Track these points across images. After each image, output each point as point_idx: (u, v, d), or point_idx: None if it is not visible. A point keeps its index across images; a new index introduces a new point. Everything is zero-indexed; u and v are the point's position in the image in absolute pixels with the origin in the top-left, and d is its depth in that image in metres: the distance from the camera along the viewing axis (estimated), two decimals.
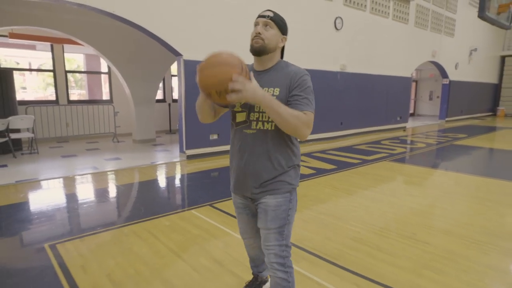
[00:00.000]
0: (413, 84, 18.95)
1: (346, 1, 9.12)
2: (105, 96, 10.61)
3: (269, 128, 1.52)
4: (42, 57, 10.96)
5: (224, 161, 6.23)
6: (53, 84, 8.94)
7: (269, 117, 1.47)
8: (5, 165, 5.86)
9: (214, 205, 3.91)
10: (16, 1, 6.51)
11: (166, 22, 5.87)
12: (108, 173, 5.51)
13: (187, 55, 6.21)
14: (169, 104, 10.88)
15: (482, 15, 10.72)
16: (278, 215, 1.58)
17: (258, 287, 2.08)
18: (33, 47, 10.21)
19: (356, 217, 3.56)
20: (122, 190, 4.68)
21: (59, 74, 8.89)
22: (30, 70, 10.66)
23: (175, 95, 11.34)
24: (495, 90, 19.16)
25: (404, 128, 12.23)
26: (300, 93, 1.48)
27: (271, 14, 1.55)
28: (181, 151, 6.61)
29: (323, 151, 7.51)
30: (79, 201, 4.15)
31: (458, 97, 15.54)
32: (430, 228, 3.28)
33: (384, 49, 10.73)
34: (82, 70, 11.48)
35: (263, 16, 1.55)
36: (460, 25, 14.48)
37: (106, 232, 3.20)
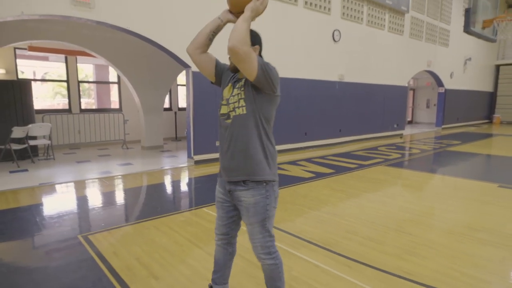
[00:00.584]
0: (411, 92, 19.46)
1: (343, 14, 9.63)
2: (113, 104, 11.08)
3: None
4: (50, 67, 11.50)
5: None
6: (66, 93, 9.42)
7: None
8: (26, 170, 6.30)
9: None
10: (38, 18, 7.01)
11: (175, 36, 6.34)
12: (123, 176, 5.94)
13: (195, 67, 6.68)
14: (175, 113, 11.34)
15: (467, 30, 11.29)
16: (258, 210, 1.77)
17: None
18: (46, 58, 10.71)
19: (351, 214, 3.98)
20: (138, 191, 5.10)
21: (72, 84, 9.38)
22: (46, 80, 11.14)
23: (181, 104, 11.82)
24: (491, 98, 19.65)
25: (401, 135, 12.66)
26: None
27: None
28: (189, 156, 7.04)
29: (322, 157, 7.94)
30: (101, 200, 4.58)
31: (454, 105, 16.01)
32: (415, 222, 3.70)
33: (380, 60, 11.22)
34: (91, 79, 11.97)
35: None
36: (454, 35, 15.01)
37: (129, 226, 3.62)
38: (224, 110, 1.81)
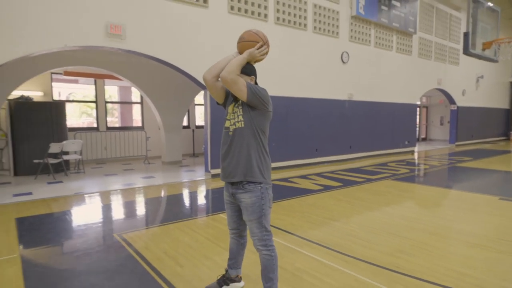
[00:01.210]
0: (424, 110, 19.68)
1: (351, 37, 10.21)
2: (135, 123, 11.86)
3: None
4: (81, 88, 12.43)
5: None
6: (92, 112, 10.25)
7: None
8: (61, 181, 6.98)
9: None
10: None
11: (193, 61, 7.01)
12: (147, 187, 6.52)
13: None
14: (193, 130, 12.02)
15: (466, 53, 11.67)
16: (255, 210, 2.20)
17: (225, 282, 2.53)
18: (76, 81, 11.66)
19: (353, 221, 4.38)
20: (161, 200, 5.65)
21: (100, 104, 10.21)
22: (77, 101, 12.01)
23: (198, 122, 12.51)
24: (507, 115, 19.63)
25: (412, 152, 12.90)
26: None
27: None
28: (206, 170, 7.59)
29: (332, 172, 8.34)
30: (129, 207, 5.14)
31: (467, 122, 16.14)
32: (411, 228, 4.07)
33: (388, 79, 11.67)
34: (115, 99, 12.84)
35: None
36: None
37: (156, 227, 4.15)
38: (227, 124, 2.30)
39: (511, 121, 19.67)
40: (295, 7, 8.71)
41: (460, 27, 15.05)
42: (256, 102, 2.16)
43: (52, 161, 7.30)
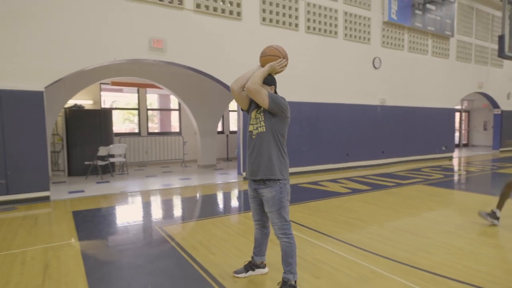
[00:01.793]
0: (465, 115, 18.89)
1: (383, 43, 10.24)
2: (173, 128, 12.60)
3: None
4: (125, 96, 13.42)
5: None
6: (133, 119, 11.07)
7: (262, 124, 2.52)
8: (108, 181, 7.70)
9: None
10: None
11: (227, 70, 7.46)
12: (184, 188, 7.03)
13: None
14: (227, 135, 12.55)
15: (501, 55, 11.19)
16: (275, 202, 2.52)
17: (251, 267, 2.87)
18: (121, 90, 12.64)
19: (377, 221, 4.54)
20: (197, 199, 6.11)
21: (142, 111, 11.01)
22: (122, 109, 13.00)
23: (232, 128, 13.03)
24: None
25: (450, 158, 12.52)
26: None
27: None
28: (239, 173, 8.00)
29: (362, 176, 8.42)
30: (168, 204, 5.64)
31: None
32: (435, 229, 4.16)
33: (423, 83, 11.48)
34: (155, 106, 13.71)
35: None
36: None
37: (192, 222, 4.58)
38: (251, 128, 2.63)
39: None
40: (325, 15, 8.95)
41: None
42: (276, 110, 2.49)
43: (100, 163, 8.06)
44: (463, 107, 18.81)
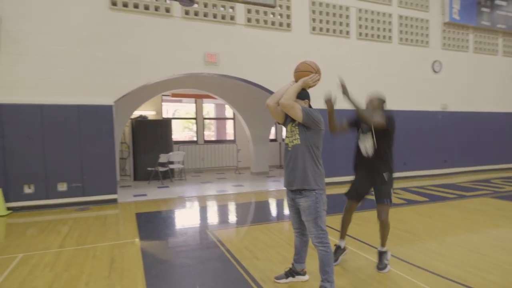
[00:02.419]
0: None
1: (444, 45, 9.66)
2: (228, 136, 13.11)
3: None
4: (183, 106, 14.33)
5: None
6: (192, 127, 11.76)
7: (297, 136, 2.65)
8: (167, 186, 8.32)
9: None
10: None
11: (277, 81, 7.61)
12: (237, 194, 7.33)
13: None
14: (280, 143, 12.73)
15: None
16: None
17: (291, 274, 2.96)
18: (180, 101, 13.54)
19: (429, 234, 4.35)
20: (248, 206, 6.37)
21: (199, 121, 11.69)
22: (181, 118, 13.93)
23: (284, 135, 13.17)
24: None
25: None
26: None
27: None
28: None
29: (420, 187, 7.99)
30: (221, 210, 5.97)
31: None
32: (495, 246, 3.87)
33: (492, 86, 10.55)
34: (212, 115, 14.42)
35: None
36: None
37: (241, 227, 4.83)
38: (287, 141, 2.77)
39: None
40: (378, 21, 8.75)
41: None
42: (310, 123, 2.61)
43: (161, 169, 8.75)
44: None
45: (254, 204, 6.54)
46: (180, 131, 14.62)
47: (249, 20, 7.39)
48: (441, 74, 9.65)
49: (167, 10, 6.68)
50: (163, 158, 8.67)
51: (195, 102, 11.73)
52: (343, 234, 3.54)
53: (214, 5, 7.05)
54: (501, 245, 3.94)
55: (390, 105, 8.90)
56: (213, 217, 5.59)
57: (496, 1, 10.24)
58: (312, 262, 3.26)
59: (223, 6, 7.13)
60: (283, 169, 11.69)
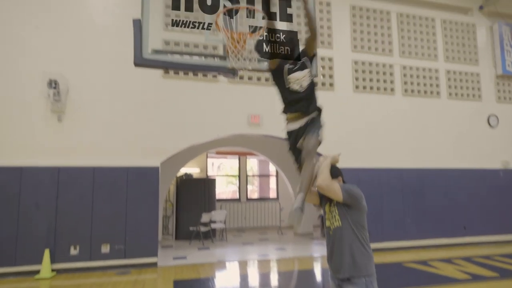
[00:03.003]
0: None
1: (499, 98, 9.08)
2: (271, 192, 12.90)
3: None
4: (228, 162, 14.55)
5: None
6: (236, 182, 11.77)
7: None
8: (208, 248, 8.14)
9: None
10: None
11: (323, 141, 7.51)
12: (279, 260, 6.94)
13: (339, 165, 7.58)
14: None
15: None
16: None
17: None
18: (225, 157, 13.79)
19: None
20: (290, 275, 5.94)
21: (242, 178, 11.71)
22: (224, 175, 14.07)
23: None
24: None
25: None
26: None
27: None
28: None
29: (486, 257, 7.01)
30: (262, 279, 5.62)
31: None
32: None
33: None
34: (256, 170, 14.41)
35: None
36: None
37: None
38: (328, 223, 2.53)
39: None
40: (424, 76, 8.52)
41: None
42: (350, 201, 2.40)
43: (202, 229, 8.65)
44: None
45: (297, 274, 6.09)
46: (224, 186, 14.71)
47: None
48: (498, 129, 8.94)
49: (215, 76, 7.05)
50: (205, 217, 8.62)
51: (239, 159, 11.87)
52: None
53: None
54: None
55: (443, 164, 8.31)
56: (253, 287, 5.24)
57: None
58: None
59: None
60: None
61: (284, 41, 3.38)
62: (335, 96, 7.82)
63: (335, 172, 2.59)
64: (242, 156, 11.73)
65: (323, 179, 2.44)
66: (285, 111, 2.98)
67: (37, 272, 5.54)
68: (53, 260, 5.79)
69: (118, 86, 6.49)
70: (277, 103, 7.57)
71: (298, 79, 2.89)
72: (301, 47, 3.02)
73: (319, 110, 2.98)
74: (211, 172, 12.97)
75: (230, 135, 7.18)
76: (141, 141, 6.49)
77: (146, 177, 6.44)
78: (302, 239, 9.48)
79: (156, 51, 3.11)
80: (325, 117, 7.80)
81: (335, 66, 7.89)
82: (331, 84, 7.83)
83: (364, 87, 8.06)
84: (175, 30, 6.85)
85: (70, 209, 5.99)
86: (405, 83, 8.36)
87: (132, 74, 6.44)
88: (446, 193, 8.21)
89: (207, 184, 9.70)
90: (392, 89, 8.25)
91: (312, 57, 2.97)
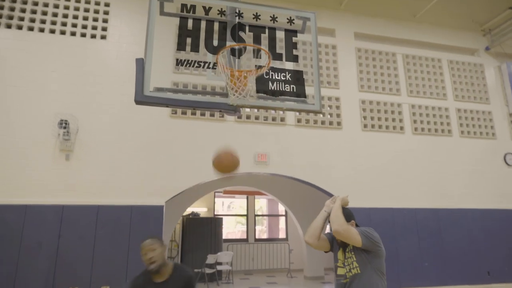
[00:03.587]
0: None
1: None
2: (281, 232, 12.48)
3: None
4: (236, 201, 14.30)
5: None
6: (245, 222, 11.47)
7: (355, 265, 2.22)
8: None
9: None
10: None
11: (329, 179, 7.35)
12: None
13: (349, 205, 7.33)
14: None
15: None
16: None
17: None
18: (232, 196, 13.60)
19: None
20: None
21: (250, 218, 11.43)
22: (232, 215, 13.81)
23: None
24: None
25: None
26: None
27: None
28: None
29: None
30: None
31: None
32: None
33: None
34: (265, 210, 14.09)
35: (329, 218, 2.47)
36: None
37: None
38: (341, 271, 2.37)
39: None
40: (434, 115, 8.43)
41: None
42: (370, 245, 2.24)
43: (208, 271, 8.31)
44: None
45: None
46: (233, 226, 14.35)
47: (299, 120, 7.56)
48: None
49: (222, 116, 7.14)
50: (210, 259, 8.31)
51: (247, 199, 11.67)
52: None
53: (266, 110, 7.40)
54: None
55: (459, 204, 7.96)
56: None
57: None
58: None
59: (275, 110, 7.45)
60: None
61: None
62: (343, 134, 7.76)
63: (347, 215, 2.46)
64: (250, 195, 11.53)
65: (340, 224, 2.30)
66: None
67: None
68: None
69: (126, 126, 6.60)
70: (284, 142, 7.57)
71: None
72: None
73: None
74: (220, 211, 12.77)
75: (236, 174, 7.07)
76: (146, 179, 6.46)
77: (150, 216, 6.32)
78: (312, 283, 8.98)
79: (158, 89, 3.15)
80: (333, 155, 7.71)
81: (342, 106, 7.91)
82: (338, 123, 7.80)
83: (373, 126, 7.99)
84: (184, 72, 7.13)
85: (71, 248, 5.85)
86: (415, 121, 8.27)
87: (140, 114, 6.58)
88: (466, 235, 7.76)
89: (214, 223, 9.48)
90: (401, 128, 8.15)
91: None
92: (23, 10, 6.71)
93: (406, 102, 8.34)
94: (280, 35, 3.89)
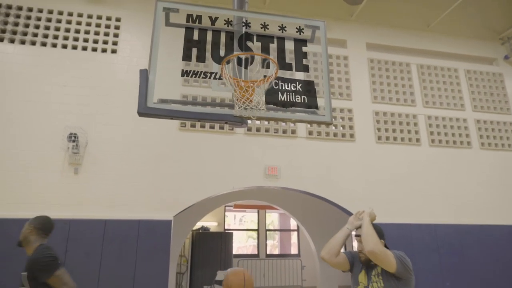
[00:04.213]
0: None
1: None
2: (293, 247, 12.12)
3: None
4: (247, 215, 14.06)
5: None
6: (256, 237, 11.20)
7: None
8: None
9: None
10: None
11: (341, 193, 7.08)
12: None
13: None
14: None
15: None
16: None
17: None
18: (243, 210, 13.38)
19: None
20: None
21: (261, 233, 11.16)
22: (243, 230, 13.57)
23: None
24: None
25: None
26: None
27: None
28: None
29: None
30: None
31: None
32: None
33: None
34: (276, 224, 13.78)
35: (357, 235, 2.24)
36: None
37: None
38: None
39: None
40: (452, 126, 8.11)
41: None
42: (403, 272, 2.03)
43: (217, 287, 8.06)
44: None
45: None
46: (244, 240, 14.06)
47: (310, 133, 7.38)
48: None
49: (231, 128, 7.02)
50: (219, 275, 8.04)
51: (258, 213, 11.43)
52: None
53: (276, 121, 7.26)
54: None
55: (484, 220, 7.53)
56: None
57: None
58: None
59: (285, 122, 7.29)
60: None
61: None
62: (356, 147, 7.52)
63: (378, 233, 2.22)
64: (261, 209, 11.29)
65: (376, 243, 2.07)
66: None
67: None
68: None
69: (134, 139, 6.54)
70: (294, 155, 7.37)
71: None
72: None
73: None
74: (232, 226, 12.54)
75: (246, 187, 6.91)
76: (154, 193, 6.34)
77: (157, 230, 6.17)
78: None
79: (162, 100, 3.04)
80: (346, 169, 7.48)
81: (355, 117, 7.69)
82: (351, 135, 7.57)
83: (387, 138, 7.73)
84: (193, 84, 7.07)
85: (78, 265, 5.69)
86: (431, 133, 7.96)
87: (149, 127, 6.52)
88: (492, 253, 7.30)
89: (224, 238, 9.27)
90: (417, 140, 7.86)
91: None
92: (37, 27, 6.82)
93: (422, 113, 8.07)
94: (289, 45, 3.77)
